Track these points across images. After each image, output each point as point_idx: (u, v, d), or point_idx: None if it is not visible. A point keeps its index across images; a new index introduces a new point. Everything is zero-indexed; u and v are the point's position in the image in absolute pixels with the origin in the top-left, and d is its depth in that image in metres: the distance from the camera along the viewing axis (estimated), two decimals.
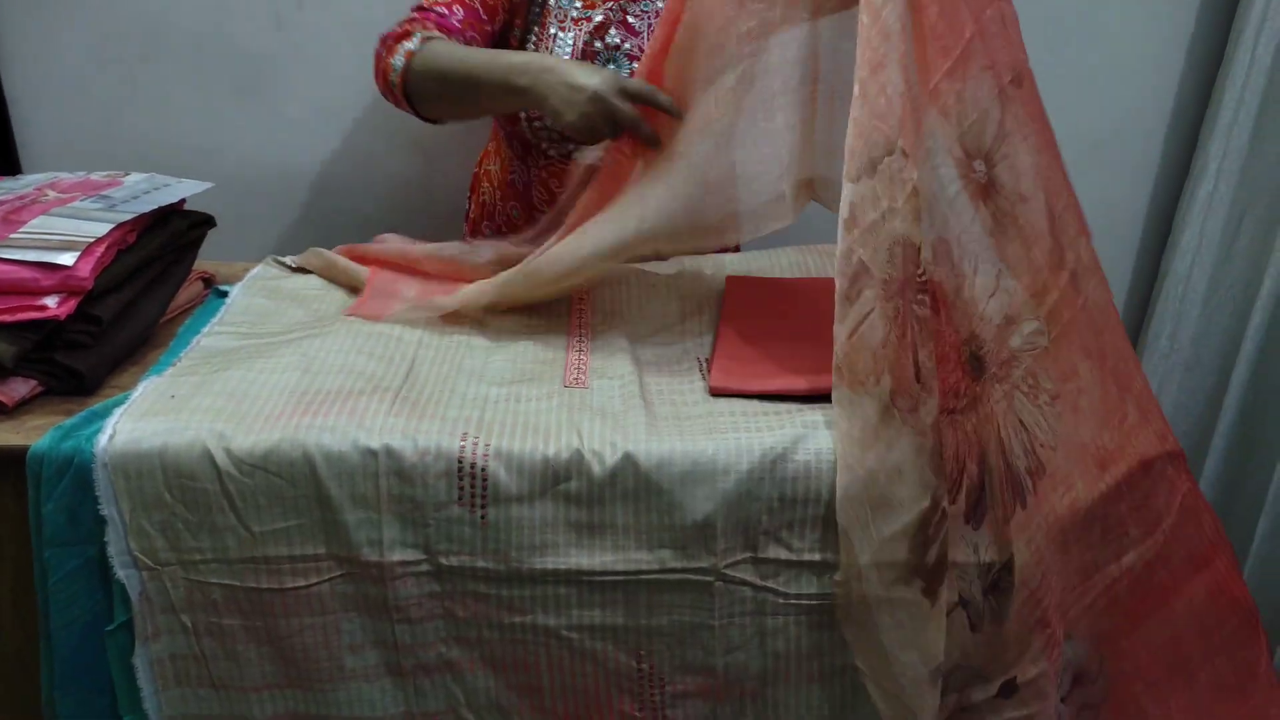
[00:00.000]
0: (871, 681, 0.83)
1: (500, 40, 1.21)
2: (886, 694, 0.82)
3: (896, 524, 0.78)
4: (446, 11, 1.13)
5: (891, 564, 0.78)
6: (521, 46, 1.19)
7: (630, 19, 1.18)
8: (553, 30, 1.17)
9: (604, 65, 1.17)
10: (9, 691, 0.91)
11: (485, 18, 1.16)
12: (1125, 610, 0.88)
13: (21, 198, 0.99)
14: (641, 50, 1.19)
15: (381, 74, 1.09)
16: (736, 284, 1.10)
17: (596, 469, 0.80)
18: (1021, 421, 0.81)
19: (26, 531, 0.82)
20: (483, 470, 0.80)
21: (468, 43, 1.13)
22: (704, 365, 0.95)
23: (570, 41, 1.17)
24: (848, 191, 0.77)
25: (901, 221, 0.75)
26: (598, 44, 1.18)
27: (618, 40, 1.18)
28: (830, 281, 1.11)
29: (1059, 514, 0.82)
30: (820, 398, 0.86)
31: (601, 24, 1.18)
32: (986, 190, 0.79)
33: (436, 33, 1.09)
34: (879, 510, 0.78)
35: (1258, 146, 1.47)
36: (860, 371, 0.78)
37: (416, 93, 1.08)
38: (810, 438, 0.82)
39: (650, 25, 1.19)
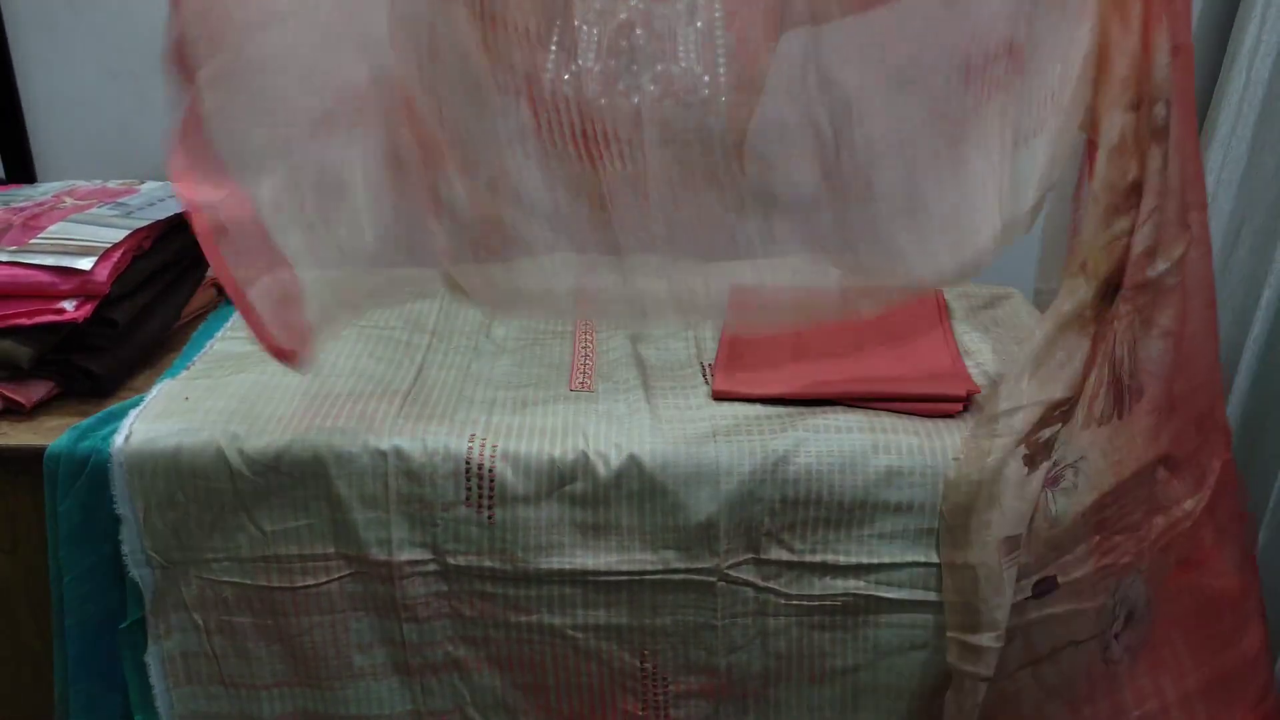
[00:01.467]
0: (947, 573, 0.83)
1: None
2: (957, 577, 0.83)
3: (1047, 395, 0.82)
4: None
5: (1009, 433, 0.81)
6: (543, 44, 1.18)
7: (655, 21, 1.17)
8: (577, 22, 1.16)
9: (628, 68, 1.17)
10: (24, 689, 0.92)
11: None
12: (1178, 553, 0.88)
13: (40, 204, 1.01)
14: (664, 51, 1.17)
15: None
16: (740, 291, 1.11)
17: (602, 471, 0.82)
18: (1135, 343, 0.85)
19: (43, 530, 0.83)
20: (490, 471, 0.81)
21: None
22: (707, 370, 0.96)
23: (596, 38, 1.17)
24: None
25: None
26: (623, 42, 1.16)
27: (643, 41, 1.17)
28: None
29: (1141, 441, 0.84)
30: (821, 402, 0.88)
31: (626, 22, 1.17)
32: (1160, 134, 0.82)
33: None
34: (1036, 378, 0.83)
35: (1256, 158, 1.49)
36: (1092, 263, 0.83)
37: None
38: (811, 441, 0.83)
39: (671, 27, 1.18)
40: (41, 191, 1.07)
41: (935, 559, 0.84)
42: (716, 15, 1.04)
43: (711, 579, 0.84)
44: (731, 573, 0.84)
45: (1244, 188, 1.50)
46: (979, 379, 0.93)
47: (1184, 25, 0.85)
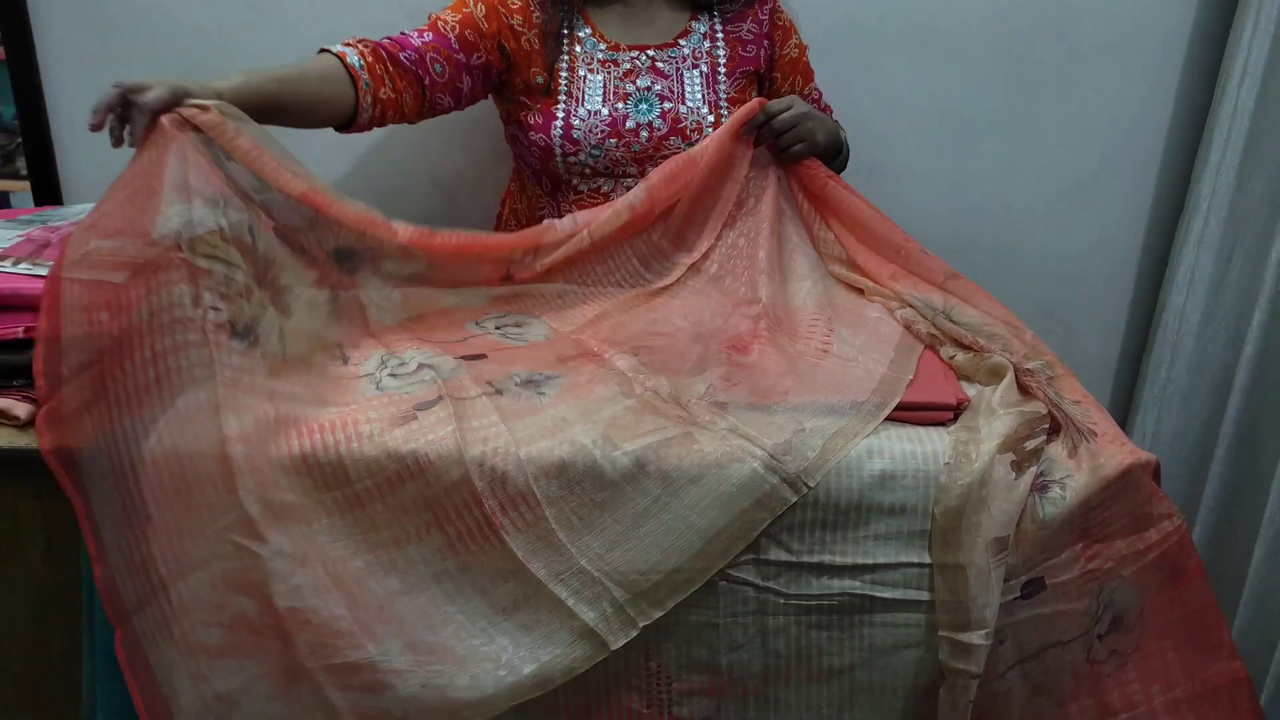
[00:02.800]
0: (939, 574, 0.86)
1: (504, 82, 1.27)
2: (948, 576, 0.85)
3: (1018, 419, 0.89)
4: (415, 32, 1.21)
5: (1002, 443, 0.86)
6: (548, 90, 1.25)
7: (660, 64, 1.26)
8: (582, 73, 1.25)
9: (636, 106, 1.25)
10: (51, 686, 0.95)
11: (457, 48, 1.21)
12: (1171, 566, 0.91)
13: (75, 224, 1.06)
14: (672, 92, 1.26)
15: None
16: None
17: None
18: (1063, 396, 0.94)
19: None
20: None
21: (428, 65, 1.19)
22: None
23: (600, 83, 1.25)
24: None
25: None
26: (629, 86, 1.25)
27: (649, 83, 1.25)
28: None
29: (1119, 449, 0.89)
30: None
31: (630, 70, 1.25)
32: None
33: (368, 45, 1.17)
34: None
35: (1244, 184, 1.53)
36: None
37: None
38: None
39: (679, 70, 1.27)
40: (75, 211, 1.12)
41: (928, 560, 0.87)
42: None
43: (713, 578, 0.87)
44: (732, 572, 0.87)
45: (1233, 213, 1.54)
46: (969, 389, 0.97)
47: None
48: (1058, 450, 0.89)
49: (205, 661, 0.83)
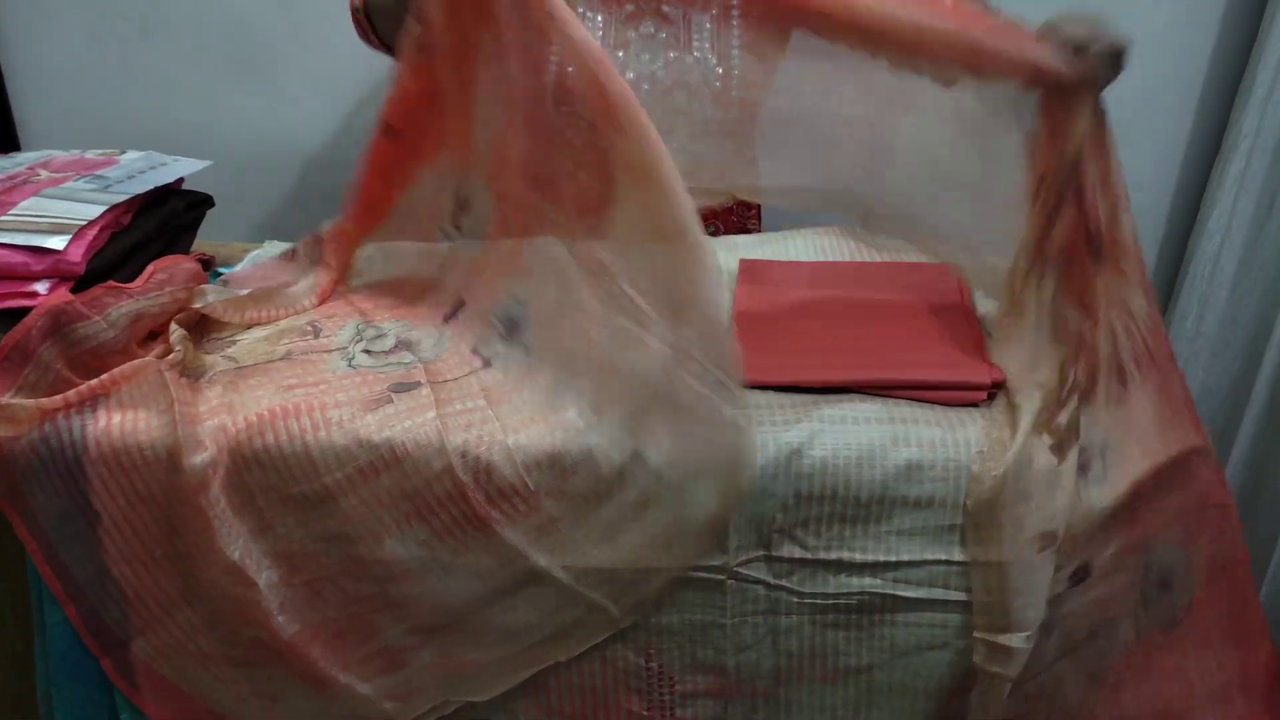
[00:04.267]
0: (973, 572, 0.79)
1: None
2: (984, 575, 0.79)
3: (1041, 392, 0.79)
4: None
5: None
6: None
7: (665, 8, 1.15)
8: (580, 9, 1.14)
9: (638, 56, 1.14)
10: (6, 689, 0.90)
11: None
12: (1225, 559, 0.85)
13: (12, 177, 0.96)
14: (678, 39, 1.15)
15: (350, 9, 1.10)
16: (750, 267, 1.06)
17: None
18: (1129, 308, 0.81)
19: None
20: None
21: None
22: None
23: (600, 23, 1.15)
24: None
25: None
26: (630, 33, 1.15)
27: (652, 30, 1.15)
28: (851, 265, 1.08)
29: (1165, 428, 0.81)
30: (835, 390, 0.83)
31: (634, 14, 1.15)
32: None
33: None
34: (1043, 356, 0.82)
35: None
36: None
37: (375, 9, 1.08)
38: (826, 433, 0.78)
39: (685, 15, 1.16)
40: (15, 163, 1.01)
41: (957, 557, 0.79)
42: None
43: (720, 577, 0.80)
44: (741, 570, 0.80)
45: (1278, 155, 1.44)
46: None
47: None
48: (1098, 412, 0.79)
49: (231, 670, 0.83)
